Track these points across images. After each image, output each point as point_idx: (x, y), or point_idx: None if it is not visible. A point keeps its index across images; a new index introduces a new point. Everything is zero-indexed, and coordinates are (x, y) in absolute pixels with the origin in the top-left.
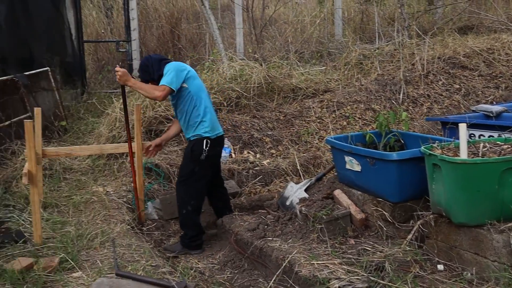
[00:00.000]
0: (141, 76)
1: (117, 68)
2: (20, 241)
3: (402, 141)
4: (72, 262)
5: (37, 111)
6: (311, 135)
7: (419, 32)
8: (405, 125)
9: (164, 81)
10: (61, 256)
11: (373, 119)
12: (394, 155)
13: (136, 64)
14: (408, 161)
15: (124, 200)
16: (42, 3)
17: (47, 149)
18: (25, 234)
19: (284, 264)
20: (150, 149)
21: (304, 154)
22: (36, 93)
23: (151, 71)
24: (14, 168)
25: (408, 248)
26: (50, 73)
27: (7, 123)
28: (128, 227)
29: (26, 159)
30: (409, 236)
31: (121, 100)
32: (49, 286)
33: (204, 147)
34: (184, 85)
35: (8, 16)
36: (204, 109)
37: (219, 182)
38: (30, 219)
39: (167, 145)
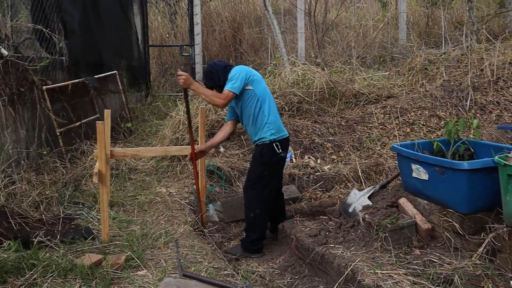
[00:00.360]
0: (205, 83)
1: (180, 72)
2: (89, 238)
3: (471, 150)
4: (137, 261)
5: (107, 113)
6: (373, 141)
7: (488, 36)
8: (476, 133)
9: (227, 86)
10: (127, 254)
11: (438, 126)
12: (465, 164)
13: (198, 68)
14: (480, 171)
15: (187, 201)
16: (112, 9)
17: (115, 150)
18: (93, 231)
19: (346, 272)
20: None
21: (366, 161)
22: (104, 96)
23: (216, 78)
24: (84, 167)
25: (478, 262)
26: (117, 76)
27: (77, 124)
28: (191, 228)
29: (95, 158)
30: (480, 249)
31: (185, 103)
32: (116, 282)
33: (276, 150)
34: (249, 87)
35: (81, 22)
36: (269, 111)
37: (279, 186)
38: (98, 217)
39: (228, 148)
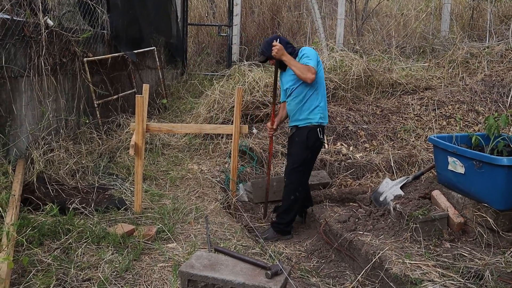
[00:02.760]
0: (262, 50)
1: (275, 43)
2: (122, 208)
3: (511, 147)
4: (168, 233)
5: (145, 87)
6: (408, 132)
7: None
8: None
9: (310, 63)
10: (158, 226)
11: (475, 121)
12: (505, 160)
13: (236, 48)
14: None
15: (217, 179)
16: None
17: (151, 124)
18: (126, 202)
19: (374, 260)
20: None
21: (399, 151)
22: (142, 71)
23: None
24: (119, 139)
25: (511, 259)
26: (155, 52)
27: (115, 97)
28: (221, 206)
29: (131, 132)
30: None
31: (274, 74)
32: (146, 253)
33: (319, 135)
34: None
35: None
36: (322, 95)
37: None
38: (131, 188)
39: (261, 130)
